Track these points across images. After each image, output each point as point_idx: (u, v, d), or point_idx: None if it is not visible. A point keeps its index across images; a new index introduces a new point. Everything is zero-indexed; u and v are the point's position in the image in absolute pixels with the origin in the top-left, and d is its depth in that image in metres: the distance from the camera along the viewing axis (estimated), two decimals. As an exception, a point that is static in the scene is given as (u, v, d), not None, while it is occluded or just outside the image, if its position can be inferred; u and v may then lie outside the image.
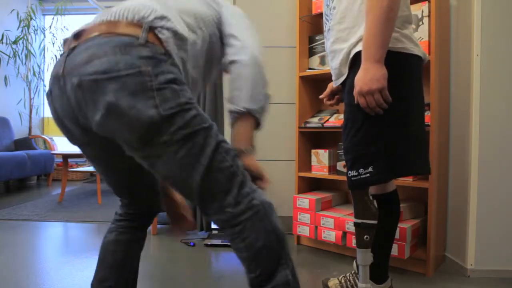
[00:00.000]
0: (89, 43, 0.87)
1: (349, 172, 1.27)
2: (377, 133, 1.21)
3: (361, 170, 1.23)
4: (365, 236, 1.30)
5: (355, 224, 1.33)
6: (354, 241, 1.91)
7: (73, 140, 1.00)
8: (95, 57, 0.83)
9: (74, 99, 0.86)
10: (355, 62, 1.24)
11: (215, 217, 0.91)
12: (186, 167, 0.86)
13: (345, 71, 1.29)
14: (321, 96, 1.64)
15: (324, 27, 1.39)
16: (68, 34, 0.96)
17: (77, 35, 0.91)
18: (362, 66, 1.17)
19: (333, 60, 1.34)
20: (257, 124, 1.02)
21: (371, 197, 1.33)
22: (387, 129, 1.21)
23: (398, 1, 1.13)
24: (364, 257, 1.32)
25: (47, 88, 0.96)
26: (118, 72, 0.82)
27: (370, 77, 1.14)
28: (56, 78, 0.90)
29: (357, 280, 1.53)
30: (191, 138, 0.85)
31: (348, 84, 1.28)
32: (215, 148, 0.87)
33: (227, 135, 2.49)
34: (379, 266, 1.39)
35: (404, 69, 1.23)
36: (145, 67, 0.83)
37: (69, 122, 0.93)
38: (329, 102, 1.61)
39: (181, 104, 0.85)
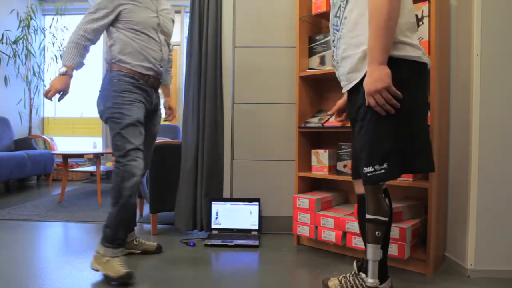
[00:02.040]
0: None
1: (365, 168, 1.32)
2: (389, 131, 1.28)
3: (376, 167, 1.29)
4: (377, 232, 1.36)
5: (368, 220, 1.38)
6: (354, 241, 1.92)
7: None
8: None
9: None
10: None
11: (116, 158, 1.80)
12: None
13: (359, 74, 1.35)
14: (329, 113, 1.74)
15: (332, 37, 1.45)
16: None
17: None
18: (368, 70, 1.26)
19: (345, 66, 1.39)
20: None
21: (383, 195, 1.38)
22: (397, 129, 1.28)
23: (397, 11, 1.22)
24: (375, 252, 1.37)
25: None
26: (101, 88, 1.86)
27: (375, 78, 1.24)
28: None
29: (357, 281, 1.53)
30: (111, 122, 1.80)
31: (362, 85, 1.33)
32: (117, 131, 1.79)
33: (227, 132, 2.50)
34: (380, 264, 1.40)
35: (419, 77, 1.32)
36: (106, 85, 1.83)
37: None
38: (338, 119, 1.70)
39: (110, 105, 1.79)
